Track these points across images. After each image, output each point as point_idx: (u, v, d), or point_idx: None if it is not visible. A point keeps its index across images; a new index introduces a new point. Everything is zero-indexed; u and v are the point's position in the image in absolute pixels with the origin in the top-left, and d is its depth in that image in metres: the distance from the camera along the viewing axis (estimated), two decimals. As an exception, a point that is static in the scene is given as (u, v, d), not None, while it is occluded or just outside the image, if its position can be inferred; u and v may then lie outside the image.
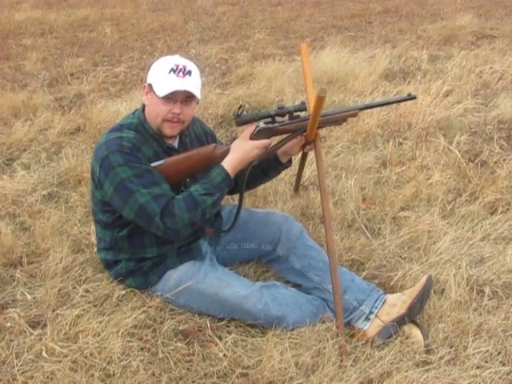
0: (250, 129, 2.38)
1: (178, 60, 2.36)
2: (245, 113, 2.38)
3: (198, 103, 2.46)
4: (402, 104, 4.44)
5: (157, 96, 2.32)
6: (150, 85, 2.37)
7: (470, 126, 4.34)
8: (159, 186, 2.28)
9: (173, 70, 2.31)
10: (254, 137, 2.37)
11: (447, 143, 3.95)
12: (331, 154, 3.95)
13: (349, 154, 3.97)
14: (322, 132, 4.14)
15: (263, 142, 2.37)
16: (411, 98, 2.51)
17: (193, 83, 2.33)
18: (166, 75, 2.31)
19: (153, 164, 2.34)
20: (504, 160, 3.82)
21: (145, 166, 2.31)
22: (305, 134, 2.42)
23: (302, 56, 2.44)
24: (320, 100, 2.16)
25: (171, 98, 2.32)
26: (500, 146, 4.02)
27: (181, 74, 2.31)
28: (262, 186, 3.24)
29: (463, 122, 4.39)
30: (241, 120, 2.37)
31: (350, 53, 6.21)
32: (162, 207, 2.23)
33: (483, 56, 6.10)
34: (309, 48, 6.71)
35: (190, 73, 2.33)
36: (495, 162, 3.81)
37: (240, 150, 2.35)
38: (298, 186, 2.95)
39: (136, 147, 2.33)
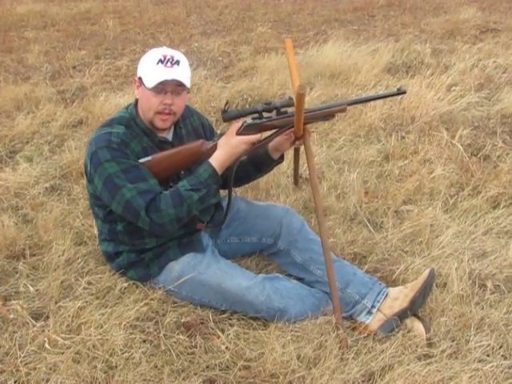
0: (237, 124, 2.37)
1: (165, 51, 2.37)
2: (231, 108, 2.37)
3: (188, 93, 2.46)
4: (405, 98, 4.44)
5: (147, 88, 2.33)
6: (140, 78, 2.38)
7: (473, 120, 4.33)
8: (146, 182, 2.30)
9: (160, 61, 2.31)
10: (241, 132, 2.36)
11: (450, 137, 3.94)
12: (334, 147, 3.94)
13: (351, 147, 3.97)
14: (324, 126, 4.14)
15: (251, 137, 2.36)
16: (401, 92, 2.47)
17: (181, 72, 2.34)
18: (154, 66, 2.32)
19: (141, 160, 2.35)
20: (507, 154, 3.81)
21: (132, 162, 2.32)
22: (292, 129, 2.41)
23: (288, 51, 2.43)
24: (300, 97, 2.16)
25: (161, 88, 2.32)
26: (503, 141, 4.01)
27: (169, 64, 2.32)
28: (264, 179, 3.24)
29: (466, 116, 4.38)
30: (228, 116, 2.36)
31: (353, 46, 6.19)
32: (147, 202, 2.24)
33: (487, 50, 6.08)
34: (311, 41, 6.72)
35: (178, 62, 2.34)
36: (498, 157, 3.80)
37: (227, 146, 2.35)
38: (297, 180, 2.94)
39: (124, 143, 2.34)
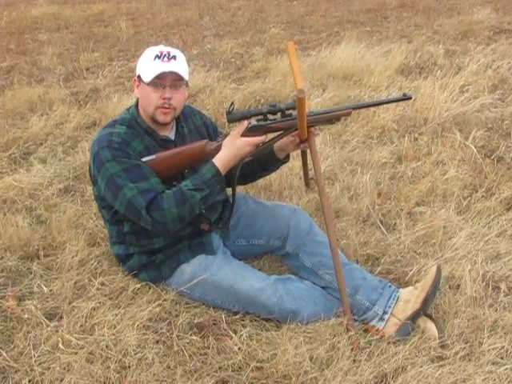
0: (242, 126, 2.37)
1: (162, 48, 2.39)
2: (236, 109, 2.38)
3: (187, 87, 2.47)
4: (418, 99, 4.42)
5: (145, 84, 2.35)
6: (138, 76, 2.40)
7: (487, 122, 4.30)
8: (147, 181, 2.30)
9: (157, 57, 2.34)
10: (246, 134, 2.36)
11: (463, 139, 3.91)
12: (347, 148, 3.93)
13: (364, 148, 3.95)
14: (337, 127, 4.13)
15: (255, 139, 2.36)
16: (406, 98, 2.45)
17: (179, 66, 2.35)
18: (151, 62, 2.34)
19: (144, 159, 2.36)
20: (521, 156, 3.79)
21: (133, 161, 2.33)
22: (297, 132, 2.40)
23: (290, 54, 2.42)
24: (300, 101, 2.16)
25: (159, 83, 2.34)
26: (517, 142, 3.98)
27: (165, 58, 2.34)
28: (276, 181, 3.25)
29: (479, 117, 4.35)
30: (232, 117, 2.36)
31: (366, 48, 6.18)
32: (149, 201, 2.25)
33: (500, 51, 6.03)
34: (324, 43, 6.72)
35: (174, 57, 2.36)
36: (512, 158, 3.77)
37: (231, 147, 2.35)
38: (307, 182, 2.93)
39: (125, 142, 2.35)
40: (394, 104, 4.36)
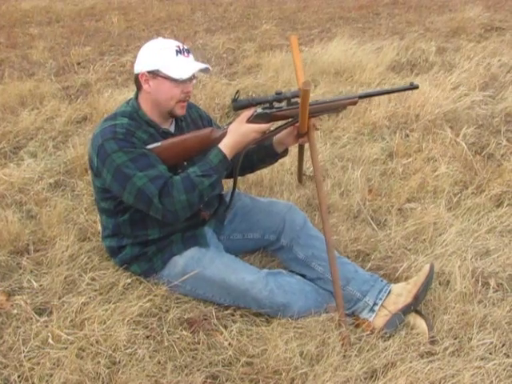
0: (247, 113, 2.38)
1: (172, 42, 2.39)
2: (242, 98, 2.38)
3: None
4: (410, 96, 4.43)
5: (173, 79, 2.33)
6: (153, 72, 2.36)
7: (477, 119, 4.32)
8: (155, 168, 2.30)
9: (178, 52, 2.34)
10: (251, 121, 2.37)
11: (454, 135, 3.93)
12: (338, 144, 3.94)
13: (355, 145, 3.96)
14: (329, 123, 4.13)
15: (261, 126, 2.37)
16: (414, 87, 2.46)
17: (199, 61, 2.39)
18: (175, 58, 2.33)
19: (149, 146, 2.36)
20: (511, 153, 3.80)
21: (139, 150, 2.32)
22: (297, 124, 2.41)
23: (292, 48, 2.43)
24: (305, 93, 2.16)
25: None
26: (507, 139, 3.99)
27: (186, 53, 2.36)
28: (268, 176, 3.24)
29: (470, 114, 4.37)
30: (238, 104, 2.36)
31: (358, 44, 6.18)
32: (160, 188, 2.24)
33: (492, 48, 6.06)
34: (316, 39, 6.72)
35: (189, 51, 2.39)
36: (502, 155, 3.79)
37: (237, 133, 2.36)
38: (300, 177, 2.94)
39: (130, 132, 2.35)
40: (386, 100, 4.37)
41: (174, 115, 2.44)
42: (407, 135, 4.05)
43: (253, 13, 8.84)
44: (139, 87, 2.43)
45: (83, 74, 5.82)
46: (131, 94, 4.70)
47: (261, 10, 8.99)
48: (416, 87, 2.47)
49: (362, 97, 2.49)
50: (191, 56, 2.38)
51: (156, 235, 2.47)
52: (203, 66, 2.37)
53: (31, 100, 4.96)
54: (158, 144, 2.38)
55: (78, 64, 6.26)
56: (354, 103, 2.46)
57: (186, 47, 2.38)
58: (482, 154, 3.81)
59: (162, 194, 2.24)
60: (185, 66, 2.33)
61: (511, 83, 5.02)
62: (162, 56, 2.35)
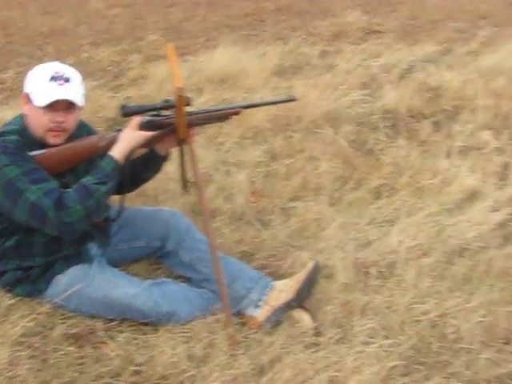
0: (139, 119, 2.37)
1: (57, 67, 2.33)
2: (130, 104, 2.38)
3: (82, 109, 2.43)
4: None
5: (37, 106, 2.27)
6: (28, 94, 2.31)
7: (357, 117, 4.49)
8: (49, 182, 2.25)
9: (53, 78, 2.27)
10: (141, 129, 2.37)
11: (335, 134, 4.06)
12: (222, 150, 3.97)
13: (239, 149, 4.00)
14: (213, 129, 4.14)
15: (149, 133, 2.37)
16: (291, 100, 2.57)
17: (75, 91, 2.31)
18: (45, 83, 2.27)
19: (33, 153, 2.30)
20: (388, 147, 3.98)
21: (32, 165, 2.26)
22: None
23: (170, 56, 2.44)
24: (180, 98, 2.21)
25: (53, 107, 2.28)
26: (385, 135, 4.17)
27: (62, 81, 2.28)
28: (151, 186, 3.20)
29: (350, 113, 4.53)
30: (126, 110, 2.36)
31: (242, 51, 6.24)
32: (55, 201, 2.19)
33: (370, 50, 6.30)
34: (202, 48, 6.74)
35: (70, 80, 2.31)
36: (380, 150, 3.95)
37: (129, 140, 2.34)
38: (185, 183, 2.93)
39: (20, 147, 2.28)
40: (269, 104, 4.44)
41: (45, 144, 2.36)
42: (290, 137, 4.14)
43: (139, 24, 8.73)
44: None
45: (-40, 93, 5.55)
46: (13, 112, 4.56)
47: (147, 21, 8.90)
48: (294, 100, 2.57)
49: (244, 107, 2.54)
50: (68, 86, 2.29)
51: (42, 262, 2.42)
52: (68, 97, 2.29)
53: None
54: (43, 151, 2.32)
55: (-46, 82, 5.97)
56: (237, 113, 2.49)
57: (68, 76, 2.31)
58: (362, 150, 3.96)
59: (58, 207, 2.18)
60: (49, 94, 2.26)
61: (388, 82, 5.23)
62: (34, 80, 2.32)
